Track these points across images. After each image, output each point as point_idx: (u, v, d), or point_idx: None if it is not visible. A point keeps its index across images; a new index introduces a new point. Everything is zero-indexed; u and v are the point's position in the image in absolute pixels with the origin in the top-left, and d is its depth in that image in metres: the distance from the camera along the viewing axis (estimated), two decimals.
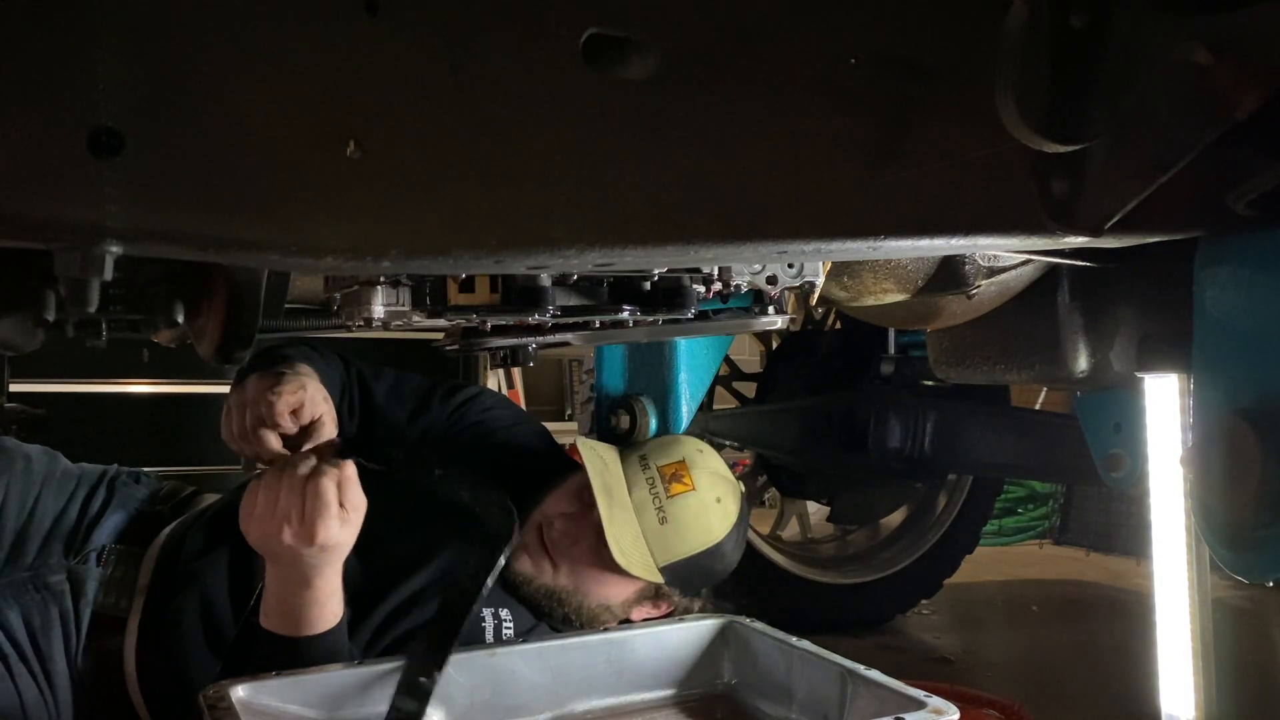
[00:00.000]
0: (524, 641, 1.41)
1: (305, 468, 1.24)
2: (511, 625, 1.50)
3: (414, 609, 1.48)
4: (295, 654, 1.29)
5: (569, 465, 1.87)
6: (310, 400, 1.34)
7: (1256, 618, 3.72)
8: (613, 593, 1.57)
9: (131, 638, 1.45)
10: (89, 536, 1.53)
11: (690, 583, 1.59)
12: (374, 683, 1.26)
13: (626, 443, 2.26)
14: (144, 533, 1.56)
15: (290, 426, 1.32)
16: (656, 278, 1.29)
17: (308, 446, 1.32)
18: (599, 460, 1.58)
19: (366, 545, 1.32)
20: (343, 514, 1.23)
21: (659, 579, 1.54)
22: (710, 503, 1.58)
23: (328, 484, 1.22)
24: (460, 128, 0.84)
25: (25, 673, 1.41)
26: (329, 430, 1.35)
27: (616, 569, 1.52)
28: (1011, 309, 1.82)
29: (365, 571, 1.43)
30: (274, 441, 1.31)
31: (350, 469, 1.25)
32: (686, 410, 2.45)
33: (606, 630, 1.45)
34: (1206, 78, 0.91)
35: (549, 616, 1.57)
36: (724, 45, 0.91)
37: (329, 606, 1.31)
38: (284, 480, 1.22)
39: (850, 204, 0.97)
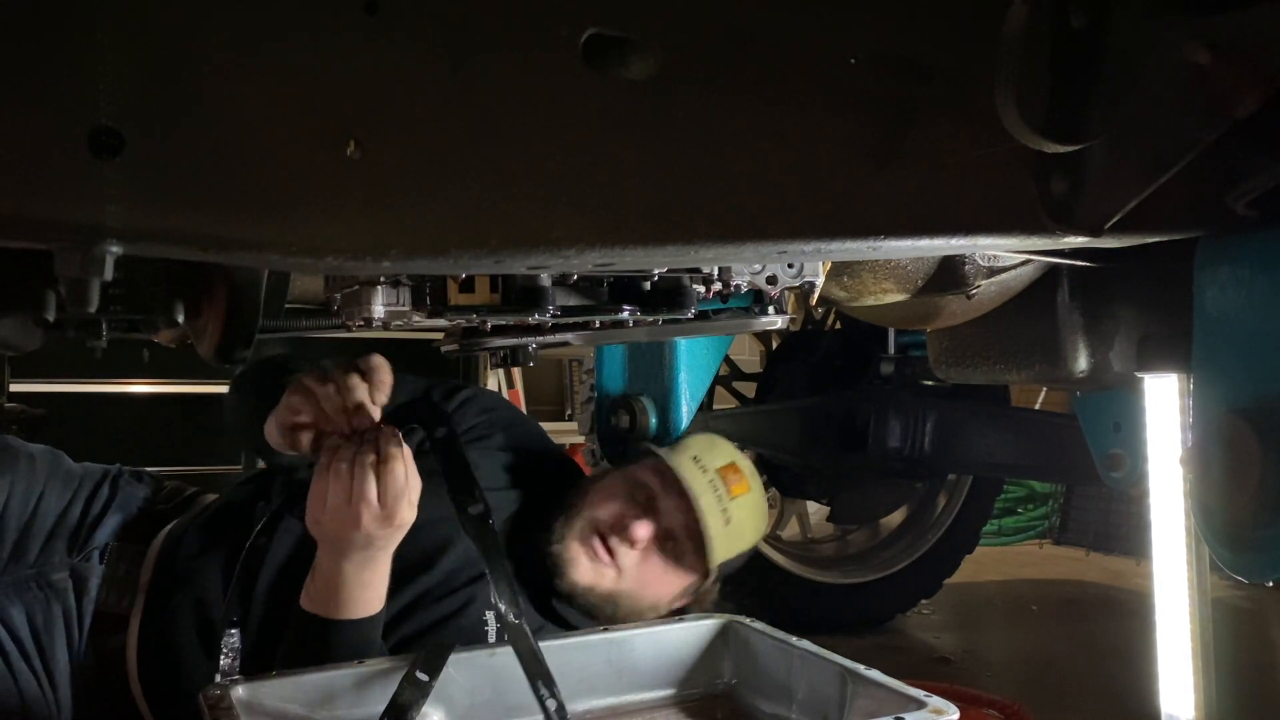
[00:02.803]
0: None
1: (373, 452, 1.23)
2: None
3: (419, 611, 1.48)
4: (335, 637, 1.30)
5: (574, 467, 1.88)
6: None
7: (1256, 618, 3.72)
8: (668, 591, 1.60)
9: (133, 636, 1.46)
10: (92, 534, 1.53)
11: (721, 577, 1.62)
12: (374, 682, 1.26)
13: (628, 441, 2.25)
14: (146, 530, 1.56)
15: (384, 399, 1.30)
16: (656, 278, 1.29)
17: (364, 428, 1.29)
18: (680, 468, 1.56)
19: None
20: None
21: (716, 572, 1.58)
22: (759, 501, 1.62)
23: (398, 467, 1.22)
24: (460, 127, 0.84)
25: (26, 669, 1.42)
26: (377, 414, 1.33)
27: (680, 570, 1.56)
28: (1011, 309, 1.82)
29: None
30: (376, 412, 1.28)
31: (408, 451, 1.25)
32: (686, 410, 2.45)
33: (606, 630, 1.45)
34: (1206, 78, 0.91)
35: (594, 618, 1.57)
36: (724, 45, 0.91)
37: (378, 590, 1.32)
38: (355, 467, 1.21)
39: (850, 204, 0.97)
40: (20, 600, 1.44)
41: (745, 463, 1.63)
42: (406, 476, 1.23)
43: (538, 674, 1.22)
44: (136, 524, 1.57)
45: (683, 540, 1.56)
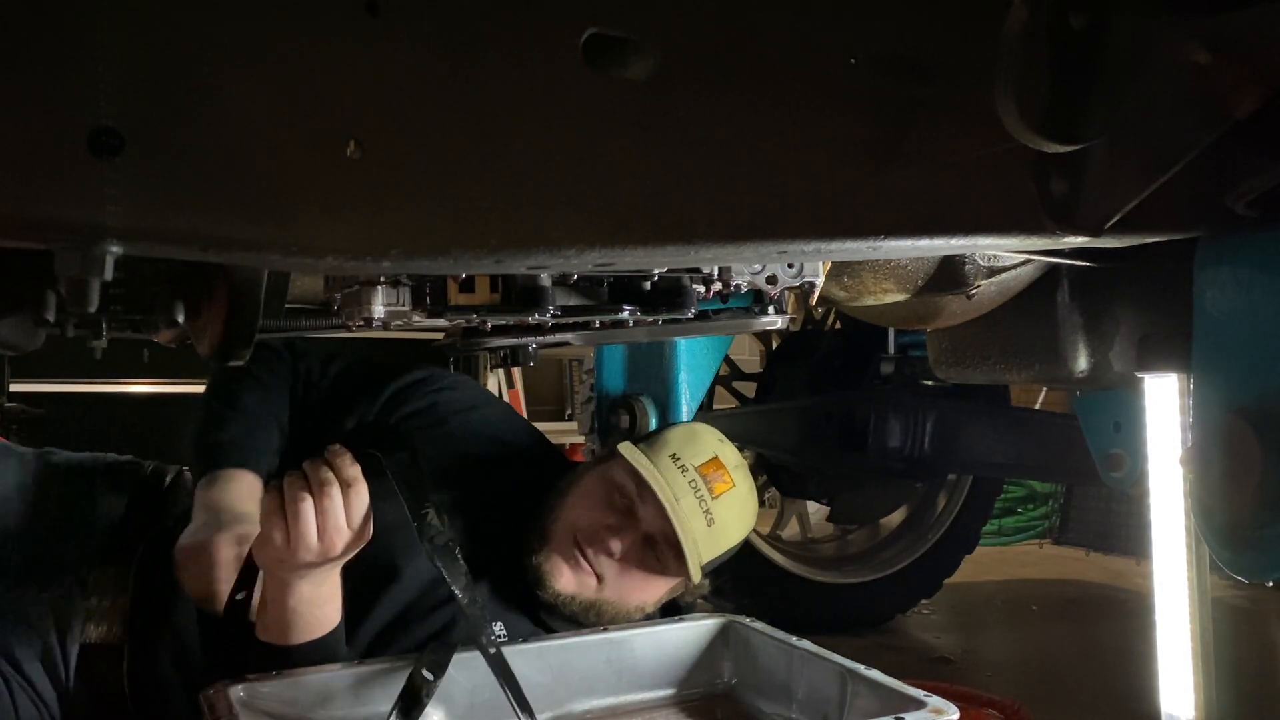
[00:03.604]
0: (524, 641, 1.40)
1: (335, 480, 1.20)
2: (506, 639, 1.47)
3: (408, 627, 1.45)
4: (301, 661, 1.28)
5: (553, 455, 1.79)
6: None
7: (1256, 618, 3.72)
8: (652, 596, 1.56)
9: (125, 663, 1.42)
10: (69, 565, 1.45)
11: (710, 573, 1.57)
12: (373, 683, 1.26)
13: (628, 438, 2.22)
14: (125, 547, 1.49)
15: None
16: (656, 278, 1.29)
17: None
18: (655, 474, 1.50)
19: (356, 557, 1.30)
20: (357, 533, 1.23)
21: (699, 578, 1.51)
22: (746, 495, 1.55)
23: (364, 488, 1.21)
24: (460, 127, 0.84)
25: (23, 693, 1.38)
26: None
27: (660, 576, 1.51)
28: (1011, 309, 1.82)
29: (354, 584, 1.42)
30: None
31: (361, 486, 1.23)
32: (686, 410, 2.45)
33: (606, 630, 1.44)
34: (1206, 78, 0.91)
35: (579, 625, 1.53)
36: (724, 45, 0.91)
37: (335, 602, 1.31)
38: (323, 499, 1.19)
39: (850, 204, 0.97)
40: None
41: (730, 453, 1.55)
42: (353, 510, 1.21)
43: (519, 697, 1.21)
44: (115, 543, 1.49)
45: (663, 547, 1.50)
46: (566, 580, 1.50)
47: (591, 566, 1.50)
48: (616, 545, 1.49)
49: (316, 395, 1.65)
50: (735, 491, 1.52)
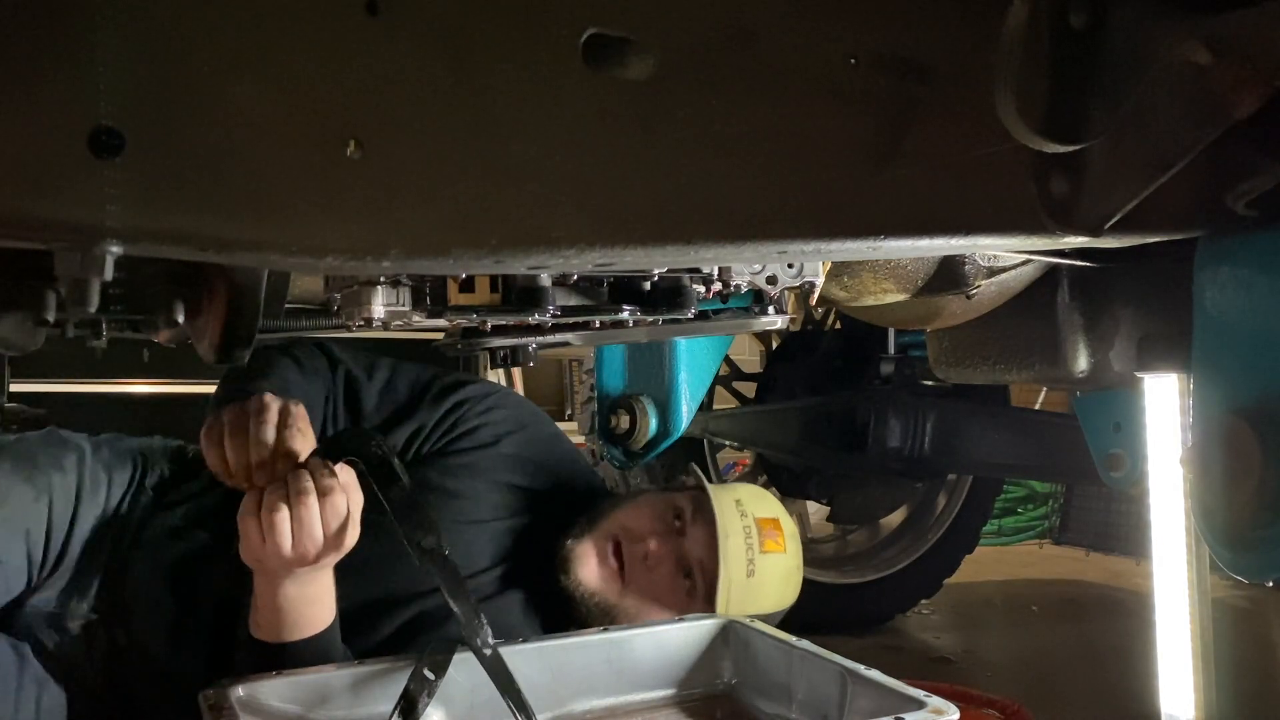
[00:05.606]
0: (524, 641, 1.40)
1: (311, 490, 1.20)
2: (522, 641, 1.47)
3: (419, 634, 1.45)
4: (295, 659, 1.28)
5: (599, 484, 1.80)
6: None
7: (1256, 618, 3.72)
8: None
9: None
10: (115, 584, 1.44)
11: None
12: (372, 683, 1.26)
13: (628, 443, 2.22)
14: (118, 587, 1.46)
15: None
16: (656, 278, 1.29)
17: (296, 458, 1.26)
18: (716, 504, 1.52)
19: (359, 567, 1.30)
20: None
21: None
22: (793, 569, 1.58)
23: (339, 499, 1.21)
24: (460, 127, 0.84)
25: (30, 685, 1.38)
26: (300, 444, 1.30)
27: (685, 604, 1.51)
28: (1011, 309, 1.82)
29: (362, 594, 1.42)
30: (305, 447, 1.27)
31: (347, 472, 1.24)
32: (686, 410, 2.45)
33: (606, 630, 1.44)
34: (1206, 78, 0.91)
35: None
36: (724, 45, 0.91)
37: (327, 601, 1.31)
38: (298, 507, 1.19)
39: (850, 204, 0.97)
40: (30, 639, 1.38)
41: (790, 526, 1.58)
42: (348, 504, 1.22)
43: (518, 701, 1.21)
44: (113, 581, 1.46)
45: (697, 578, 1.51)
46: (590, 571, 1.52)
47: (620, 567, 1.52)
48: (654, 545, 1.51)
49: (364, 398, 1.63)
50: (783, 558, 1.55)
